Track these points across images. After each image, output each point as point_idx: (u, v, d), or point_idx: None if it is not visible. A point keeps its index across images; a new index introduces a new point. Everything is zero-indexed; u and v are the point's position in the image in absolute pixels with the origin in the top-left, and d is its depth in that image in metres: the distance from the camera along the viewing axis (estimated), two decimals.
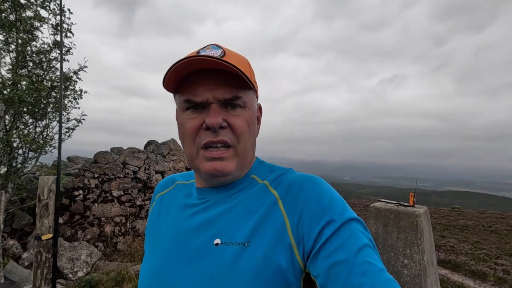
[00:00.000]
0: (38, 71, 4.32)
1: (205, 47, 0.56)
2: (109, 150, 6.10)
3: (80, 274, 4.29)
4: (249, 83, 0.53)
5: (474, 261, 6.53)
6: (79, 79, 4.47)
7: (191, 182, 0.69)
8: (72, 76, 4.41)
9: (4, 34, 3.94)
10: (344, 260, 0.44)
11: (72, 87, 4.46)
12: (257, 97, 0.62)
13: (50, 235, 2.36)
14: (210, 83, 0.53)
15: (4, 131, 3.89)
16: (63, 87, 4.44)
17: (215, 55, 0.51)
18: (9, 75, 3.99)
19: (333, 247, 0.45)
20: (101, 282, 4.11)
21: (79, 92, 5.05)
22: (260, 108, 0.66)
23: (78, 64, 4.37)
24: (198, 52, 0.55)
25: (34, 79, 4.05)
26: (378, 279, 0.42)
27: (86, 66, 4.45)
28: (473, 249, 7.73)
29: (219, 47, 0.56)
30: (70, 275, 4.22)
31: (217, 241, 0.52)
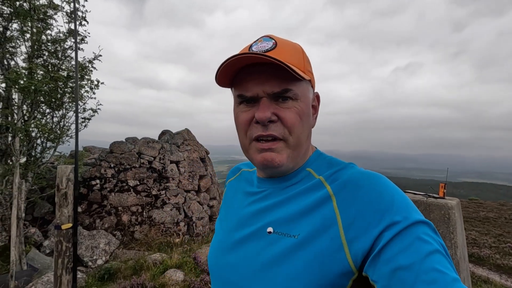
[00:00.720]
0: (53, 60, 4.29)
1: (258, 39, 0.57)
2: (124, 140, 6.11)
3: (99, 262, 4.35)
4: (301, 76, 0.52)
5: (499, 255, 6.28)
6: (94, 68, 4.42)
7: (253, 170, 0.72)
8: (87, 66, 4.36)
9: (19, 23, 3.91)
10: (409, 266, 0.40)
11: (88, 77, 4.42)
12: (312, 86, 0.61)
13: (70, 225, 2.33)
14: (259, 77, 0.53)
15: (22, 120, 3.91)
16: (78, 76, 4.41)
17: (266, 47, 0.54)
18: (25, 64, 3.98)
19: (395, 251, 0.42)
20: (119, 270, 4.15)
21: (96, 82, 5.02)
22: (317, 97, 0.64)
23: (93, 53, 4.31)
24: (251, 45, 0.56)
25: (50, 69, 4.02)
26: None
27: (101, 55, 4.39)
28: (496, 242, 7.44)
29: (271, 38, 0.56)
30: (90, 263, 4.28)
31: (270, 229, 0.55)
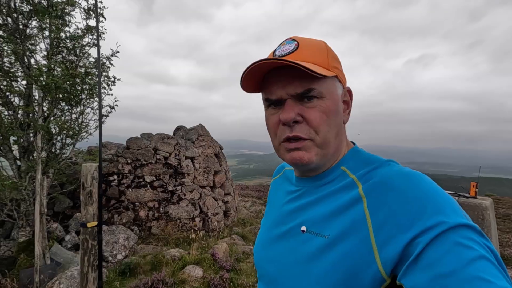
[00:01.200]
0: (71, 57, 4.31)
1: (281, 42, 0.59)
2: (139, 136, 6.14)
3: (119, 257, 4.41)
4: (322, 74, 0.51)
5: None
6: (112, 64, 4.42)
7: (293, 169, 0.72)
8: (105, 62, 4.37)
9: (38, 20, 3.92)
10: (449, 274, 0.38)
11: (105, 73, 4.42)
12: (342, 82, 0.60)
13: (95, 223, 2.33)
14: (282, 80, 0.55)
15: (43, 118, 3.95)
16: (96, 73, 4.41)
17: (288, 50, 0.55)
18: (45, 62, 4.01)
19: (433, 257, 0.40)
20: (139, 265, 4.20)
21: (112, 79, 5.03)
22: (349, 92, 0.63)
23: (111, 49, 4.31)
24: (275, 49, 0.58)
25: (68, 66, 4.04)
26: None
27: (118, 52, 4.38)
28: None
29: (294, 40, 0.57)
30: (110, 258, 4.34)
31: (303, 228, 0.56)
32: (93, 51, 4.59)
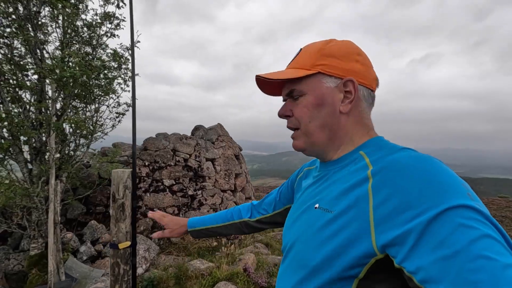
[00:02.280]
0: (87, 48, 3.88)
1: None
2: (155, 136, 5.71)
3: (139, 270, 3.97)
4: (296, 76, 0.65)
5: None
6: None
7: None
8: (123, 54, 3.93)
9: (51, 7, 3.50)
10: (452, 255, 0.38)
11: (126, 66, 3.99)
12: (333, 75, 0.64)
13: (128, 243, 1.87)
14: (281, 86, 0.72)
15: (56, 116, 3.52)
16: (115, 66, 3.98)
17: (292, 58, 0.72)
18: (59, 52, 3.58)
19: (435, 240, 0.40)
20: (162, 280, 3.75)
21: (130, 74, 4.60)
22: (351, 82, 0.64)
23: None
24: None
25: (84, 57, 3.60)
26: (502, 276, 0.35)
27: (139, 41, 3.94)
28: None
29: (301, 49, 0.71)
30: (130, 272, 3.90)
31: (316, 205, 0.63)
32: (110, 42, 4.16)
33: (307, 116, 0.66)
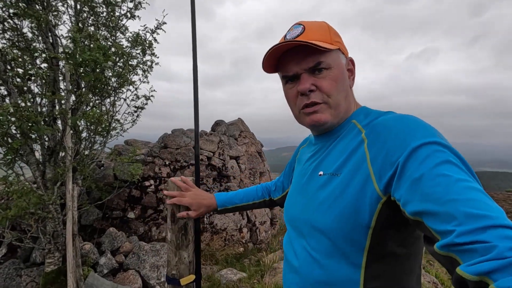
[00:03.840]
0: (104, 32, 3.36)
1: (290, 28, 0.72)
2: (174, 133, 5.21)
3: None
4: (327, 48, 0.66)
5: None
6: (156, 40, 3.45)
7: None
8: (146, 37, 3.41)
9: None
10: (419, 177, 0.48)
11: (151, 52, 3.46)
12: (344, 53, 0.73)
13: (192, 277, 1.39)
14: (295, 59, 0.69)
15: (71, 110, 3.01)
16: (138, 51, 3.47)
17: (297, 33, 0.69)
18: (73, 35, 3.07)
19: (410, 170, 0.50)
20: None
21: (149, 64, 4.09)
22: (351, 61, 0.76)
23: (156, 20, 3.33)
24: (285, 34, 0.72)
25: (100, 42, 3.08)
26: (455, 186, 0.44)
27: (165, 23, 3.40)
28: None
29: (300, 24, 0.70)
30: (158, 287, 3.44)
31: (321, 172, 0.70)
32: (130, 24, 3.63)
33: (335, 89, 0.69)
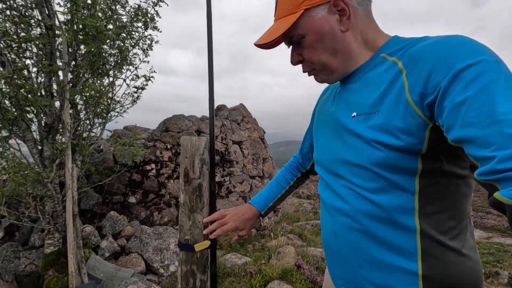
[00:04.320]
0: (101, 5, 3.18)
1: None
2: (179, 116, 5.06)
3: (172, 268, 3.41)
4: (287, 27, 0.65)
5: None
6: (158, 14, 3.29)
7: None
8: (148, 11, 3.23)
9: None
10: (461, 102, 0.45)
11: (153, 25, 3.29)
12: (321, 2, 0.64)
13: (207, 243, 1.28)
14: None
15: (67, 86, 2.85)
16: (139, 25, 3.31)
17: (274, 11, 0.72)
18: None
19: (453, 94, 0.47)
20: None
21: (149, 42, 3.93)
22: (334, 3, 0.65)
23: None
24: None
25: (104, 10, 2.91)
26: (500, 108, 0.41)
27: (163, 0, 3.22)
28: None
29: (275, 2, 0.71)
30: (162, 270, 3.34)
31: (354, 114, 0.65)
32: None
33: (315, 54, 0.68)
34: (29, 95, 2.23)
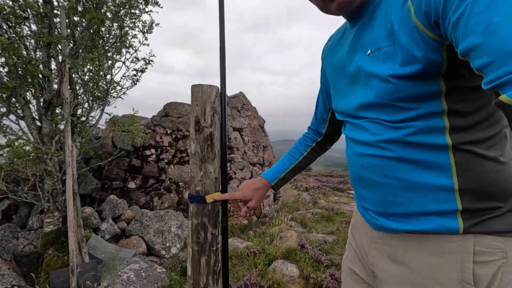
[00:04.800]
0: None
1: None
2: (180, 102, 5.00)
3: (173, 250, 3.37)
4: None
5: None
6: None
7: (341, 27, 0.85)
8: None
9: None
10: (462, 11, 0.43)
11: (155, 1, 3.24)
12: None
13: (217, 194, 1.25)
14: None
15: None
16: (141, 1, 3.25)
17: None
18: None
19: (454, 4, 0.45)
20: None
21: (148, 23, 3.88)
22: None
23: None
24: None
25: None
26: (498, 9, 0.39)
27: None
28: None
29: None
30: (163, 252, 3.30)
31: (369, 51, 0.63)
32: None
33: None
34: (28, 65, 2.16)
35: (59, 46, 2.51)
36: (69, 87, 2.75)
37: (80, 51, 2.83)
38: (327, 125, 1.04)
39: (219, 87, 1.27)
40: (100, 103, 3.76)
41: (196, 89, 1.24)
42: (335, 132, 1.05)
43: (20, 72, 2.19)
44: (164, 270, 2.72)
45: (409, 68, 0.54)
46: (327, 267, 2.94)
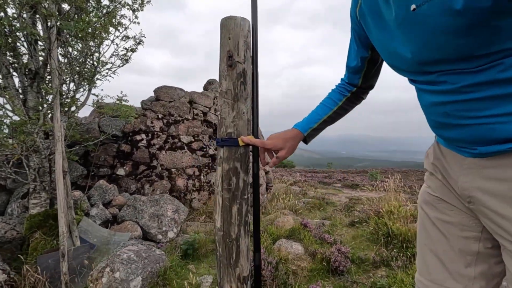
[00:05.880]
0: None
1: None
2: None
3: (170, 235, 3.21)
4: None
5: None
6: None
7: None
8: None
9: None
10: None
11: None
12: None
13: (250, 137, 1.16)
14: None
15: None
16: None
17: None
18: None
19: None
20: (204, 243, 3.04)
21: (139, 1, 3.70)
22: None
23: None
24: None
25: None
26: None
27: None
28: None
29: None
30: (160, 236, 3.13)
31: (413, 6, 0.58)
32: None
33: None
34: (15, 21, 1.95)
35: (45, 5, 2.29)
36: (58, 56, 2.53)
37: (73, 14, 2.62)
38: (362, 76, 1.00)
39: (251, 22, 1.19)
40: (87, 84, 3.53)
41: (228, 21, 1.15)
42: (370, 82, 1.03)
43: (5, 29, 1.97)
44: (163, 252, 2.57)
45: (460, 16, 0.51)
46: (331, 245, 2.91)
